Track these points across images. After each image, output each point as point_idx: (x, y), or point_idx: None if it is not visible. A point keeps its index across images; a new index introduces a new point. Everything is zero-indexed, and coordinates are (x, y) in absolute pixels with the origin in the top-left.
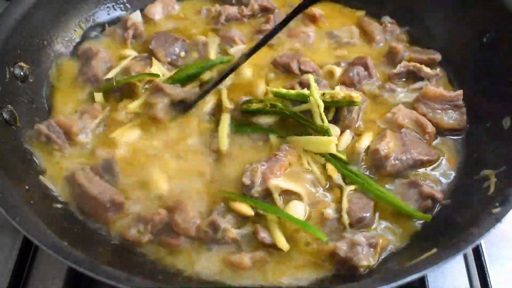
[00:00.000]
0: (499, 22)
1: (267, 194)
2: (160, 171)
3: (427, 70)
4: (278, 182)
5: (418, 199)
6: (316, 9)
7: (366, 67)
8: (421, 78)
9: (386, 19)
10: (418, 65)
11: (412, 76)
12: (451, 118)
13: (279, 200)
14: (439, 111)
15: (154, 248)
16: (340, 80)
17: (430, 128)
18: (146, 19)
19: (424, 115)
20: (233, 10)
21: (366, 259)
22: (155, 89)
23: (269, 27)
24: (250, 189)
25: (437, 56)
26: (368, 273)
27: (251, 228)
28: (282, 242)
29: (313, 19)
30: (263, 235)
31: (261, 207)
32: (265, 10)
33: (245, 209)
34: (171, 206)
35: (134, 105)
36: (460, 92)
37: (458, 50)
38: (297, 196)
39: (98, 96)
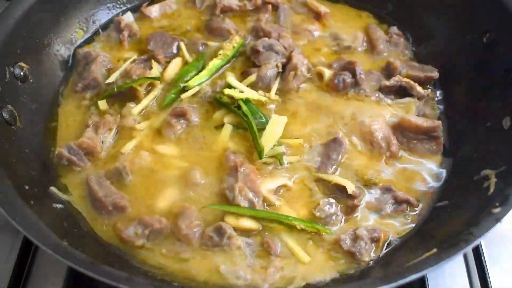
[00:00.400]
0: (499, 22)
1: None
2: (169, 184)
3: (419, 89)
4: (267, 186)
5: (394, 203)
6: (321, 7)
7: (354, 75)
8: (412, 96)
9: (394, 29)
10: (411, 82)
11: (403, 92)
12: (426, 149)
13: (276, 201)
14: (415, 141)
15: (152, 250)
16: (327, 83)
17: (395, 147)
18: (142, 16)
19: (400, 143)
20: (232, 1)
21: (368, 254)
22: (180, 113)
23: (268, 16)
24: (252, 208)
25: (435, 74)
26: (368, 270)
27: (258, 238)
28: (303, 256)
29: (317, 17)
30: (277, 250)
31: (262, 215)
32: (269, 5)
33: (250, 224)
34: (176, 211)
35: (137, 109)
36: (438, 123)
37: (458, 50)
38: (285, 187)
39: (103, 104)
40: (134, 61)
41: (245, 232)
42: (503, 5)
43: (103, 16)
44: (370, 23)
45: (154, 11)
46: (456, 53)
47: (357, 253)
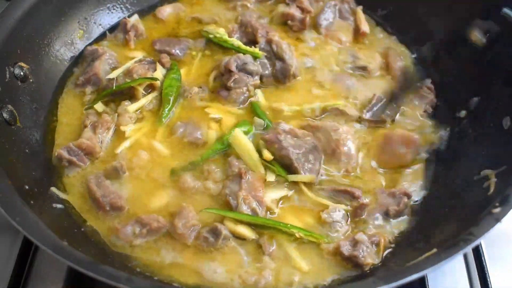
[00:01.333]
0: (499, 22)
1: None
2: (167, 183)
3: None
4: (270, 195)
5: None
6: (365, 25)
7: None
8: None
9: (427, 82)
10: None
11: None
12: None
13: (278, 210)
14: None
15: (150, 250)
16: None
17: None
18: (155, 18)
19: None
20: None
21: (371, 257)
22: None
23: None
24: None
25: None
26: (371, 272)
27: (254, 241)
28: (302, 264)
29: (356, 33)
30: (271, 251)
31: (260, 222)
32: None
33: (246, 232)
34: (173, 210)
35: (133, 108)
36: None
37: (458, 50)
38: (287, 196)
39: (99, 107)
40: (139, 61)
41: (240, 238)
42: (503, 5)
43: (103, 16)
44: (389, 48)
45: (166, 13)
46: (456, 53)
47: (360, 256)
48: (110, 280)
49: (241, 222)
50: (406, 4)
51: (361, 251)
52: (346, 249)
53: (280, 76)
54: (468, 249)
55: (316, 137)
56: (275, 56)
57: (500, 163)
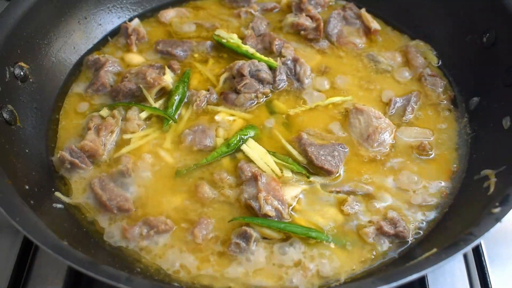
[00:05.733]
0: (499, 22)
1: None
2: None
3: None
4: (289, 193)
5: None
6: (374, 22)
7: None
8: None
9: (427, 71)
10: None
11: None
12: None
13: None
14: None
15: (154, 251)
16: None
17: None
18: (158, 22)
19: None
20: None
21: (412, 228)
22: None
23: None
24: (279, 216)
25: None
26: (368, 273)
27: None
28: (340, 253)
29: (367, 32)
30: (311, 266)
31: (285, 229)
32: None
33: (273, 233)
34: (192, 219)
35: (145, 114)
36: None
37: (458, 50)
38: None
39: (105, 112)
40: (151, 66)
41: (268, 238)
42: (503, 5)
43: (103, 16)
44: (409, 45)
45: (169, 16)
46: (456, 53)
47: (404, 230)
48: (110, 280)
49: (268, 227)
50: (406, 3)
51: (401, 225)
52: (389, 228)
53: (293, 93)
54: (468, 249)
55: (356, 119)
56: (295, 76)
57: (500, 163)
